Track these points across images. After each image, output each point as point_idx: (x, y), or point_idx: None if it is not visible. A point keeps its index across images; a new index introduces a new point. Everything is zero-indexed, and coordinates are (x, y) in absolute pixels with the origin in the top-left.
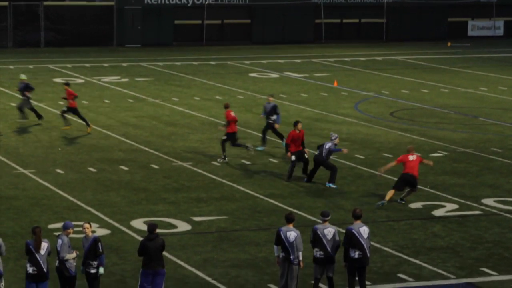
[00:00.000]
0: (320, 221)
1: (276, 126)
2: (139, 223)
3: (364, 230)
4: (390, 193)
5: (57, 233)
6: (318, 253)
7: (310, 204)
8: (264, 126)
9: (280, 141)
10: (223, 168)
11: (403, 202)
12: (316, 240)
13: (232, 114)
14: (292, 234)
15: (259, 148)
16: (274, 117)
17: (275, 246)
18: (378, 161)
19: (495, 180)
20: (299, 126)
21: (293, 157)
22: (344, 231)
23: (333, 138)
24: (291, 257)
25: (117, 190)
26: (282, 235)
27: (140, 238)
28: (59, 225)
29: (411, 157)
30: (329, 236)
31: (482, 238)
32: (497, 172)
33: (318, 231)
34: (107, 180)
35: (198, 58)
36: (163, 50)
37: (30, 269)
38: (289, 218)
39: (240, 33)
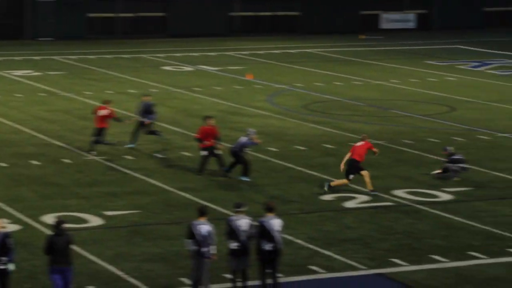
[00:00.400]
0: (234, 213)
1: (146, 121)
2: (51, 218)
3: (276, 223)
4: (340, 181)
5: None
6: (233, 245)
7: (223, 197)
8: (136, 125)
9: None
10: (136, 162)
11: (375, 192)
12: (231, 232)
13: (103, 111)
14: (204, 227)
15: (129, 146)
16: (152, 116)
17: (187, 240)
18: (291, 153)
19: (406, 172)
20: (210, 121)
21: (204, 152)
22: (257, 224)
23: (249, 133)
24: (204, 250)
25: (28, 185)
26: (194, 229)
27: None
28: None
29: (358, 143)
30: (244, 228)
31: (393, 229)
32: (408, 164)
33: (232, 222)
34: (18, 175)
35: (112, 51)
36: (76, 43)
37: None
38: (202, 212)
39: (155, 26)
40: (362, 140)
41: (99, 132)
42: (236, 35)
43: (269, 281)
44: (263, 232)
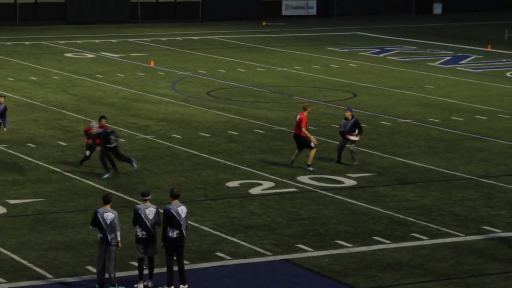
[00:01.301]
0: (141, 201)
1: (4, 130)
2: None
3: (182, 210)
4: (311, 156)
5: None
6: (141, 233)
7: (128, 185)
8: None
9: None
10: (38, 150)
11: (293, 164)
12: (138, 220)
13: None
14: (109, 215)
15: None
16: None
17: (92, 228)
18: (196, 140)
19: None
20: (103, 121)
21: (87, 153)
22: (162, 211)
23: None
24: (109, 238)
25: None
26: (99, 216)
27: None
28: None
29: (297, 117)
30: (151, 216)
31: (298, 215)
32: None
33: (139, 211)
34: None
35: (12, 38)
36: None
37: None
38: (106, 199)
39: (55, 13)
40: (304, 109)
41: None
42: (138, 22)
43: (175, 268)
44: (169, 219)
